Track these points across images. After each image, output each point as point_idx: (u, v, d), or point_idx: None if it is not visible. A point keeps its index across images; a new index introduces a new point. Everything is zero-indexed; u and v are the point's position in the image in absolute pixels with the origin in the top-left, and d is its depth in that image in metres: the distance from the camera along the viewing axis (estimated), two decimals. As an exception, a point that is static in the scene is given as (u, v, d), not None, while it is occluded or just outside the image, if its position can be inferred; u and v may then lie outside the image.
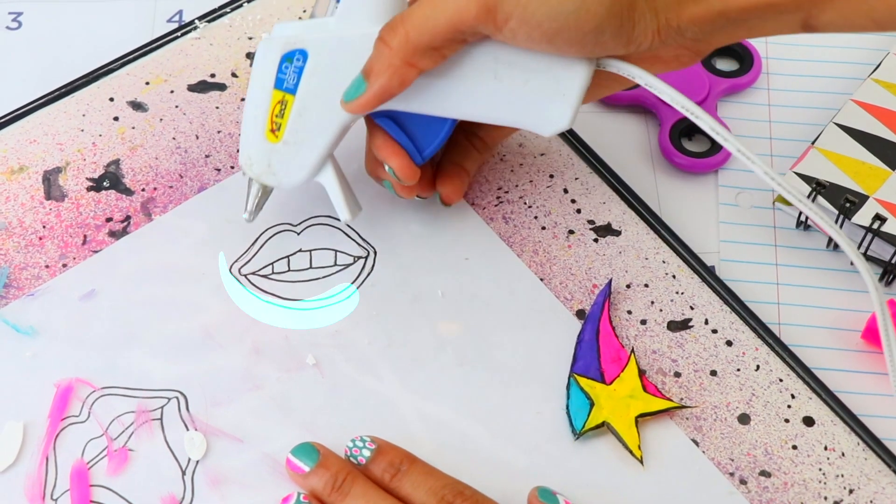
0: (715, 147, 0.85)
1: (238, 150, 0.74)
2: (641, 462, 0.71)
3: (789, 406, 0.73)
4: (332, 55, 0.70)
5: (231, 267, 0.78)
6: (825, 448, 0.71)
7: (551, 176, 0.83)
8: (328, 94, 0.71)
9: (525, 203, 0.81)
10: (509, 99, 0.69)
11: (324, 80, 0.70)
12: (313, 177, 0.74)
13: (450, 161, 0.77)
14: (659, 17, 0.63)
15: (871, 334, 0.75)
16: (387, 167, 0.73)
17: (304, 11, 0.91)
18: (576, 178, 0.82)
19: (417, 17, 0.65)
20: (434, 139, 0.73)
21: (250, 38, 0.89)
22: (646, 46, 0.64)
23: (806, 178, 0.79)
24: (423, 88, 0.69)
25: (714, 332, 0.76)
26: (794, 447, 0.71)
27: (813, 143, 0.82)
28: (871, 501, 0.70)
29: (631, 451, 0.71)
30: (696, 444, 0.72)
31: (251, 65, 0.86)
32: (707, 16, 0.63)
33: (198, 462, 0.70)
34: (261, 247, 0.78)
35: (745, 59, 0.89)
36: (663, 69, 0.69)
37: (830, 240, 0.80)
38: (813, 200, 0.78)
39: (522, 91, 0.69)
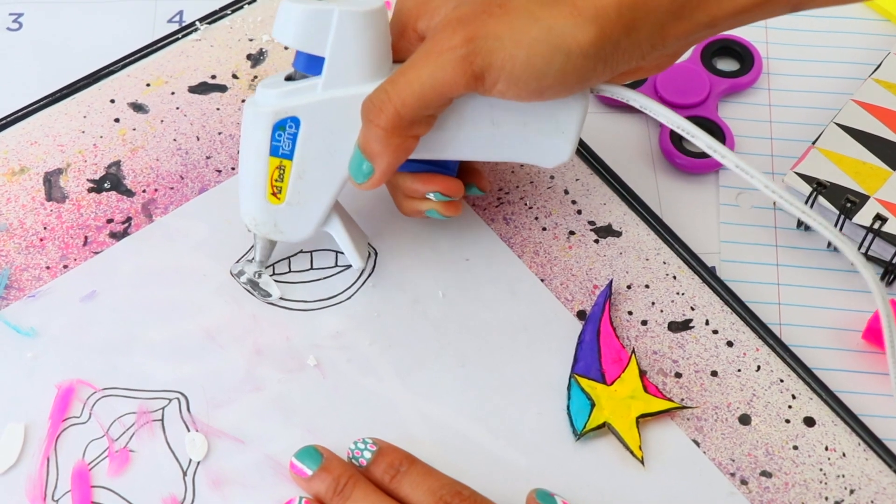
0: (715, 147, 0.84)
1: (241, 208, 0.74)
2: (642, 462, 0.71)
3: (790, 406, 0.73)
4: (325, 118, 0.69)
5: (232, 268, 0.78)
6: (826, 448, 0.71)
7: (552, 177, 0.83)
8: (326, 154, 0.70)
9: (526, 204, 0.81)
10: (509, 141, 0.70)
11: (319, 143, 0.70)
12: (320, 228, 0.74)
13: (466, 161, 0.77)
14: (642, 45, 0.63)
15: (871, 334, 0.75)
16: (431, 196, 0.73)
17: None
18: (576, 179, 0.83)
19: (404, 92, 0.65)
20: None
21: (251, 40, 0.89)
22: (629, 68, 0.65)
23: (807, 178, 0.79)
24: (426, 140, 0.69)
25: (715, 332, 0.76)
26: (795, 447, 0.71)
27: (814, 143, 0.82)
28: (871, 502, 0.69)
29: (632, 452, 0.71)
30: (697, 444, 0.72)
31: (251, 66, 0.87)
32: (693, 29, 0.63)
33: (199, 463, 0.70)
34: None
35: (746, 60, 0.89)
36: (643, 76, 0.69)
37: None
38: (814, 200, 0.78)
39: (521, 133, 0.69)
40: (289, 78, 0.71)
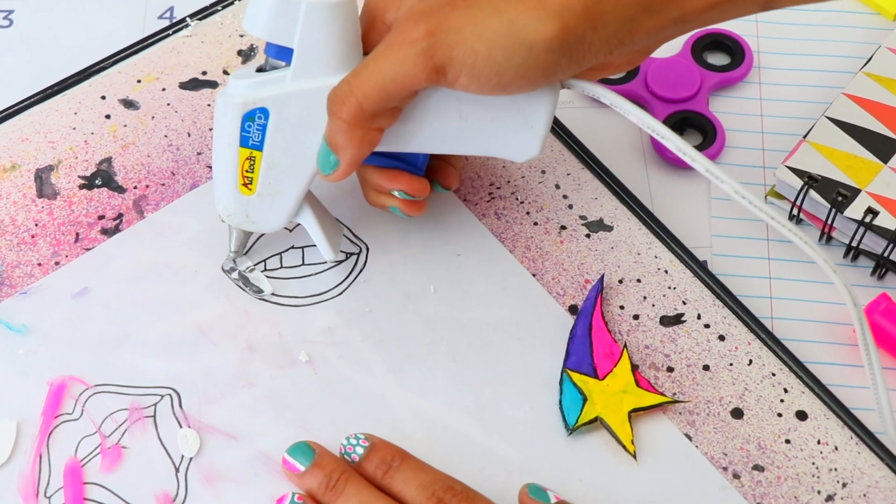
0: (707, 141, 0.85)
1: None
2: (635, 457, 0.71)
3: (782, 400, 0.73)
4: (293, 109, 0.69)
5: (223, 264, 0.78)
6: (818, 442, 0.72)
7: (543, 172, 0.83)
8: (295, 145, 0.70)
9: (517, 199, 0.81)
10: (478, 134, 0.69)
11: (288, 134, 0.70)
12: (292, 219, 0.74)
13: (434, 158, 0.77)
14: (611, 40, 0.62)
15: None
16: (396, 193, 0.73)
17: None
18: (567, 174, 0.83)
19: (365, 84, 0.64)
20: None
21: (241, 36, 0.89)
22: (598, 62, 0.64)
23: (798, 172, 0.79)
24: (393, 133, 0.69)
25: (706, 326, 0.76)
26: (788, 441, 0.72)
27: (805, 136, 0.82)
28: (864, 495, 0.70)
29: (624, 446, 0.71)
30: (690, 438, 0.72)
31: (242, 62, 0.87)
32: (663, 24, 0.62)
33: (191, 459, 0.70)
34: (253, 244, 0.78)
35: (737, 54, 0.89)
36: (615, 72, 0.69)
37: (822, 234, 0.80)
38: (805, 194, 0.78)
39: (490, 127, 0.69)
40: (260, 69, 0.71)
